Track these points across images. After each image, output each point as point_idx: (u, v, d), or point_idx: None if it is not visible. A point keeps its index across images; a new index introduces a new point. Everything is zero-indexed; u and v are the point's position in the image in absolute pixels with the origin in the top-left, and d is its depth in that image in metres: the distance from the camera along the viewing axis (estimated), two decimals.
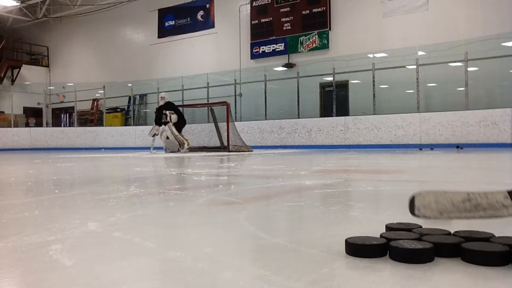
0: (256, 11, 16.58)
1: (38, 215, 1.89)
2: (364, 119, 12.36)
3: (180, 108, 13.92)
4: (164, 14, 19.36)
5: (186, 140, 10.92)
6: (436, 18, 13.01)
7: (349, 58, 13.54)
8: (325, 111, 14.51)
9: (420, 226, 1.26)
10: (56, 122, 22.20)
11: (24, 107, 22.21)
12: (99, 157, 9.03)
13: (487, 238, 1.12)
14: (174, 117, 11.02)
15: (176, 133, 10.85)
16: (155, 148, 11.15)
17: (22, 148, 16.98)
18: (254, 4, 16.64)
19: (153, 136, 11.20)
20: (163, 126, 11.04)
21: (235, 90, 16.05)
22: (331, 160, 6.32)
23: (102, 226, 1.57)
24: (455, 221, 1.63)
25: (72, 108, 19.73)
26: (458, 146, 10.56)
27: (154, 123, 11.54)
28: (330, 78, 13.79)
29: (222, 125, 11.53)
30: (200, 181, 3.47)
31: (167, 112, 10.96)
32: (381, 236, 1.16)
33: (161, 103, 11.31)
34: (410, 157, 7.30)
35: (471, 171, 4.44)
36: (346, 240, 1.13)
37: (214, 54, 17.77)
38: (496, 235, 1.14)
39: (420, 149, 10.77)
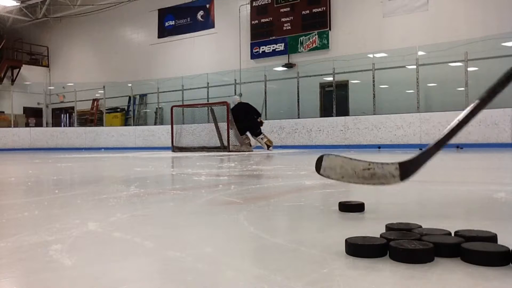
0: (256, 11, 16.58)
1: (38, 215, 1.89)
2: (364, 119, 12.35)
3: (180, 108, 13.96)
4: (164, 14, 19.36)
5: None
6: (436, 18, 13.02)
7: (349, 58, 13.55)
8: (325, 111, 14.52)
9: (420, 226, 1.26)
10: (56, 122, 22.21)
11: (24, 107, 22.23)
12: (99, 157, 9.03)
13: (487, 238, 1.11)
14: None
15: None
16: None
17: (22, 148, 16.97)
18: (254, 4, 16.64)
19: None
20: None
21: (235, 90, 16.04)
22: None
23: (102, 226, 1.57)
24: (453, 219, 1.64)
25: (72, 108, 19.74)
26: (458, 146, 10.56)
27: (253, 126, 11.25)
28: (330, 78, 13.79)
29: (222, 125, 11.53)
30: (200, 181, 3.47)
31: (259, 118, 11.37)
32: (381, 236, 1.16)
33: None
34: (410, 157, 7.28)
35: (471, 171, 4.44)
36: (346, 240, 1.13)
37: (214, 54, 17.77)
38: (498, 236, 1.14)
39: (420, 149, 10.62)
